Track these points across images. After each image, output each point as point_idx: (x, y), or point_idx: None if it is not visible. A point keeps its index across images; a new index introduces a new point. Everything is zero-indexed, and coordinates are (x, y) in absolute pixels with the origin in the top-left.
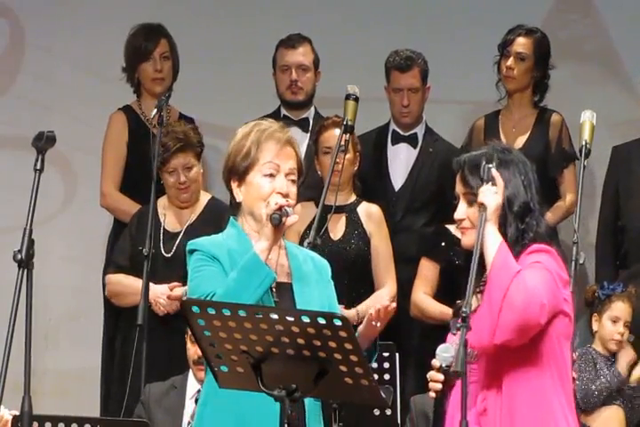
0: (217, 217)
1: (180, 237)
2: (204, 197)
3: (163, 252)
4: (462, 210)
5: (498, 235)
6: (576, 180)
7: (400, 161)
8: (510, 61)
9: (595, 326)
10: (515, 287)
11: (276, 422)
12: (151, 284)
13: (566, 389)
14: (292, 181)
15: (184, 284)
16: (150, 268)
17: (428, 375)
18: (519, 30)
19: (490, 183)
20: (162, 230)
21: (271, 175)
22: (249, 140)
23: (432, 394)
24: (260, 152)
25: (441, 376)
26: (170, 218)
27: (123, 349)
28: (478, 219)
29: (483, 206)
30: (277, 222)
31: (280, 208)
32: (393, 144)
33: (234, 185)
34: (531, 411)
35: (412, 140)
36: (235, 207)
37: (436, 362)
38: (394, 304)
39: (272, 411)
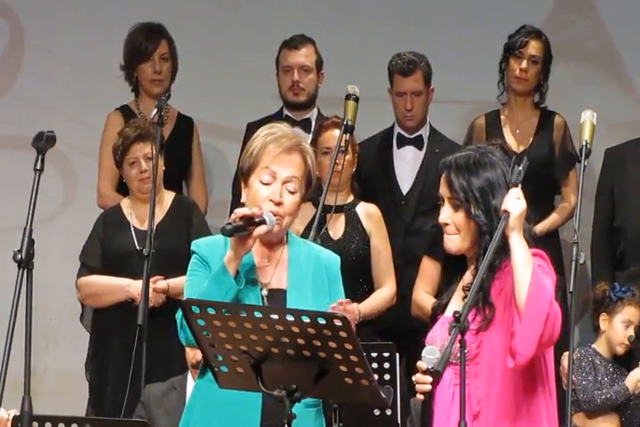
0: (185, 213)
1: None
2: (169, 196)
3: (138, 248)
4: (447, 214)
5: (527, 248)
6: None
7: (406, 164)
8: (525, 64)
9: (602, 326)
10: (553, 312)
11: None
12: (131, 280)
13: (551, 391)
14: (290, 191)
15: (165, 277)
16: (128, 267)
17: (413, 378)
18: (530, 32)
19: (519, 186)
20: (132, 229)
21: (268, 183)
22: (256, 141)
23: (420, 396)
24: (261, 154)
25: (428, 378)
26: (137, 217)
27: (119, 350)
28: (499, 224)
29: (506, 213)
30: (227, 234)
31: (244, 217)
32: (398, 147)
33: (242, 185)
34: (520, 415)
35: (417, 143)
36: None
37: (422, 364)
38: (348, 303)
39: (255, 418)
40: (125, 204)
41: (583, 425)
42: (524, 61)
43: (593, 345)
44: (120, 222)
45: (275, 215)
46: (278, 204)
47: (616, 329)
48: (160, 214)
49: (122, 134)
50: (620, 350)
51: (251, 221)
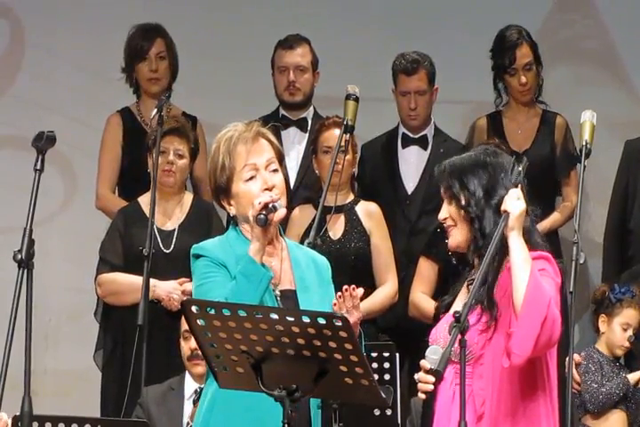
0: (205, 213)
1: (175, 233)
2: (188, 197)
3: (162, 248)
4: (444, 209)
5: (525, 248)
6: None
7: (411, 164)
8: (523, 78)
9: (602, 328)
10: (550, 315)
11: None
12: (157, 281)
13: (552, 393)
14: (274, 170)
15: (191, 279)
16: (152, 266)
17: (416, 377)
18: (512, 43)
19: (519, 186)
20: (154, 228)
21: (252, 178)
22: (220, 153)
23: (422, 396)
24: (233, 161)
25: (431, 378)
26: (158, 216)
27: (120, 350)
28: (499, 224)
29: (506, 213)
30: (263, 223)
31: (265, 206)
32: (403, 147)
33: (224, 203)
34: (520, 416)
35: (422, 143)
36: (233, 221)
37: (425, 364)
38: (356, 288)
39: (275, 420)
40: (144, 201)
41: (592, 425)
42: (522, 76)
43: (595, 345)
44: (141, 221)
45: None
46: (272, 187)
47: (615, 332)
48: (180, 215)
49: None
50: (620, 352)
51: (268, 209)
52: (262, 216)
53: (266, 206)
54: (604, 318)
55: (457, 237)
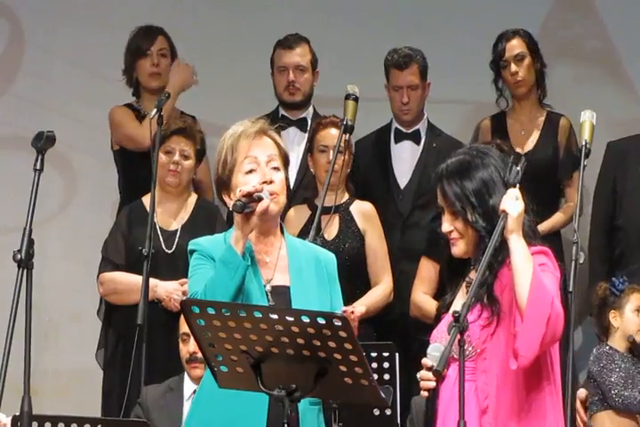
0: (209, 215)
1: (178, 234)
2: (192, 198)
3: (164, 248)
4: (448, 223)
5: (526, 249)
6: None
7: (404, 159)
8: (513, 67)
9: (615, 323)
10: (554, 314)
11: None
12: (158, 281)
13: (557, 386)
14: (275, 168)
15: None
16: (152, 265)
17: (418, 375)
18: (504, 36)
19: (517, 187)
20: (158, 229)
21: (251, 171)
22: (224, 147)
23: (424, 393)
24: (236, 154)
25: (433, 376)
26: (162, 216)
27: (122, 349)
28: (498, 224)
29: (504, 213)
30: (239, 209)
31: (248, 195)
32: (396, 142)
33: (226, 198)
34: (525, 409)
35: (414, 137)
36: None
37: (427, 361)
38: (355, 310)
39: (260, 416)
40: (149, 200)
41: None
42: (512, 65)
43: (608, 342)
44: (144, 220)
45: (271, 194)
46: (270, 182)
47: (629, 319)
48: (184, 215)
49: (166, 124)
50: (639, 338)
51: (251, 199)
52: (239, 202)
53: (248, 195)
54: (614, 314)
55: (463, 247)
